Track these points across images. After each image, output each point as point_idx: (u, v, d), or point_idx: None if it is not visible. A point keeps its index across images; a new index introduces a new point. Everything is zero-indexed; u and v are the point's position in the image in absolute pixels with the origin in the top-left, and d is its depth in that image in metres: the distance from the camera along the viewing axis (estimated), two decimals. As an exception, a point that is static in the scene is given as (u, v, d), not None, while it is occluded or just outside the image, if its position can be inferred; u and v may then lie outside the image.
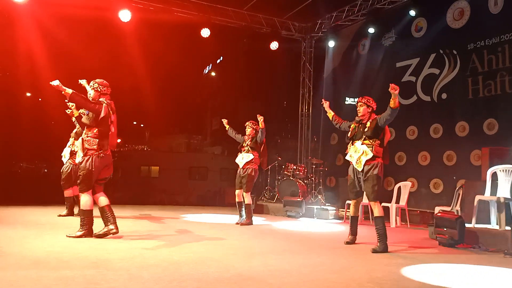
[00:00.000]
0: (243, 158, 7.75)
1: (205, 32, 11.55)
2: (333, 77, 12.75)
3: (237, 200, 7.86)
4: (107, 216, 5.39)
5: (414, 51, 10.17)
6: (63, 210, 7.81)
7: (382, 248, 5.16)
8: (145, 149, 27.63)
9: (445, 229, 5.87)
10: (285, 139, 19.00)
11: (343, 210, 9.51)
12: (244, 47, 13.19)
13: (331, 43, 12.48)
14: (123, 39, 12.08)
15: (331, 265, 4.26)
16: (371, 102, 5.56)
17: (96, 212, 5.41)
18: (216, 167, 15.97)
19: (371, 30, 11.14)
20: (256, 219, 9.01)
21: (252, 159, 7.68)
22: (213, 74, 31.44)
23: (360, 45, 11.86)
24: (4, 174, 12.16)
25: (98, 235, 5.31)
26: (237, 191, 7.84)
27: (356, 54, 12.00)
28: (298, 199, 9.87)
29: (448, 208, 7.17)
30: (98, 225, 5.43)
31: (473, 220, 6.19)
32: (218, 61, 29.36)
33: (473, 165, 8.56)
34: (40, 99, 16.72)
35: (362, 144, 5.36)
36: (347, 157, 5.56)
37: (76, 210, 7.41)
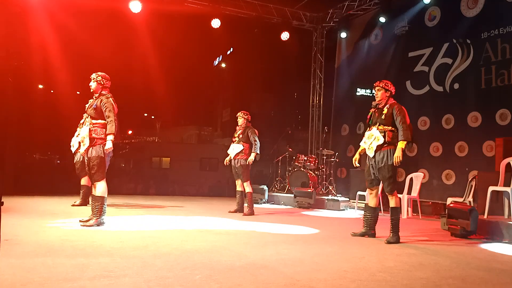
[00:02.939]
0: (233, 149, 7.81)
1: (216, 23, 11.53)
2: (344, 67, 12.67)
3: (237, 188, 7.97)
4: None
5: (427, 40, 10.05)
6: (77, 200, 7.92)
7: (395, 239, 5.13)
8: (156, 140, 27.78)
9: (457, 220, 5.84)
10: (296, 130, 18.97)
11: (354, 201, 9.51)
12: (255, 37, 13.12)
13: (343, 33, 12.38)
14: (133, 30, 12.11)
15: (343, 255, 4.27)
16: (389, 86, 5.40)
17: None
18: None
19: (384, 20, 11.03)
20: (269, 209, 9.05)
21: (242, 150, 7.73)
22: (223, 65, 31.39)
23: (372, 35, 11.75)
24: (18, 166, 12.32)
25: (85, 224, 5.41)
26: (236, 181, 7.95)
27: (368, 44, 11.89)
28: (309, 190, 9.87)
29: (460, 199, 7.13)
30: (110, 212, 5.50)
31: (486, 211, 6.15)
32: (229, 52, 29.29)
33: (485, 156, 8.47)
34: (52, 91, 16.87)
35: (376, 129, 5.25)
36: (361, 143, 5.46)
37: (90, 200, 7.52)
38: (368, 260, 4.05)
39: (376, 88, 5.44)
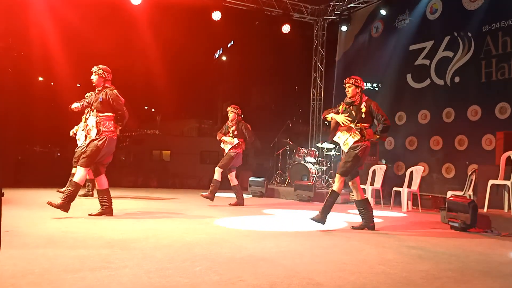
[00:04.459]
0: (228, 144, 7.83)
1: (216, 15, 11.48)
2: (345, 60, 12.64)
3: (232, 183, 7.98)
4: (105, 199, 5.62)
5: (429, 33, 10.03)
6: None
7: (319, 218, 5.25)
8: (157, 133, 27.75)
9: (457, 213, 5.84)
10: (296, 123, 18.95)
11: (353, 194, 9.53)
12: (256, 30, 13.08)
13: (344, 27, 12.34)
14: (134, 23, 12.07)
15: (343, 247, 4.28)
16: (359, 82, 5.43)
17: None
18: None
19: (385, 12, 10.99)
20: (268, 202, 9.07)
21: (237, 144, 7.77)
22: (224, 58, 31.28)
23: (373, 28, 11.72)
24: (19, 158, 12.34)
25: (92, 214, 5.48)
26: (228, 175, 7.95)
27: (369, 37, 11.86)
28: (309, 183, 9.89)
29: (460, 193, 7.14)
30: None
31: (486, 205, 6.16)
32: (229, 45, 29.17)
33: (484, 149, 8.48)
34: (52, 83, 16.84)
35: (354, 126, 5.29)
36: (335, 138, 5.50)
37: (94, 192, 7.56)
38: (368, 252, 4.06)
39: (347, 84, 5.48)
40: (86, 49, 12.81)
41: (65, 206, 5.34)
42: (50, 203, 5.28)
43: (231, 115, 7.91)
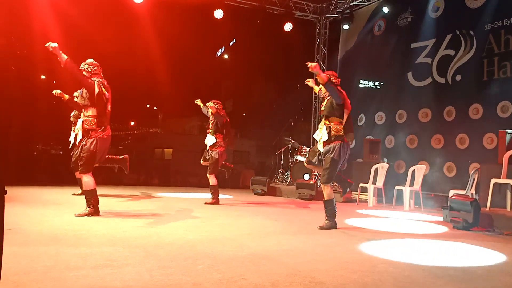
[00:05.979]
0: (209, 140, 7.73)
1: (219, 13, 11.48)
2: (347, 59, 12.63)
3: (211, 183, 7.76)
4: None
5: (431, 32, 10.01)
6: (78, 190, 7.95)
7: (329, 225, 5.25)
8: (159, 131, 27.78)
9: (459, 212, 5.84)
10: (298, 122, 18.94)
11: (356, 193, 9.54)
12: (258, 29, 13.07)
13: (346, 25, 12.32)
14: (136, 21, 12.06)
15: (344, 245, 4.28)
16: (332, 77, 5.28)
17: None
18: (229, 149, 15.99)
19: (387, 10, 10.98)
20: (269, 200, 9.08)
21: (216, 142, 7.65)
22: (226, 56, 31.24)
23: (376, 26, 11.70)
24: (21, 155, 12.35)
25: (79, 214, 5.37)
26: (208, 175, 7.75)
27: (371, 35, 11.85)
28: (311, 182, 9.89)
29: (462, 192, 7.13)
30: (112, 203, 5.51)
31: (488, 204, 6.15)
32: (231, 43, 29.15)
33: (485, 148, 8.47)
34: (54, 82, 16.84)
35: (323, 124, 5.28)
36: (315, 135, 5.47)
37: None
38: (369, 251, 4.06)
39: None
40: (88, 47, 12.78)
41: (94, 212, 5.40)
42: (79, 215, 5.30)
43: (210, 110, 7.82)
